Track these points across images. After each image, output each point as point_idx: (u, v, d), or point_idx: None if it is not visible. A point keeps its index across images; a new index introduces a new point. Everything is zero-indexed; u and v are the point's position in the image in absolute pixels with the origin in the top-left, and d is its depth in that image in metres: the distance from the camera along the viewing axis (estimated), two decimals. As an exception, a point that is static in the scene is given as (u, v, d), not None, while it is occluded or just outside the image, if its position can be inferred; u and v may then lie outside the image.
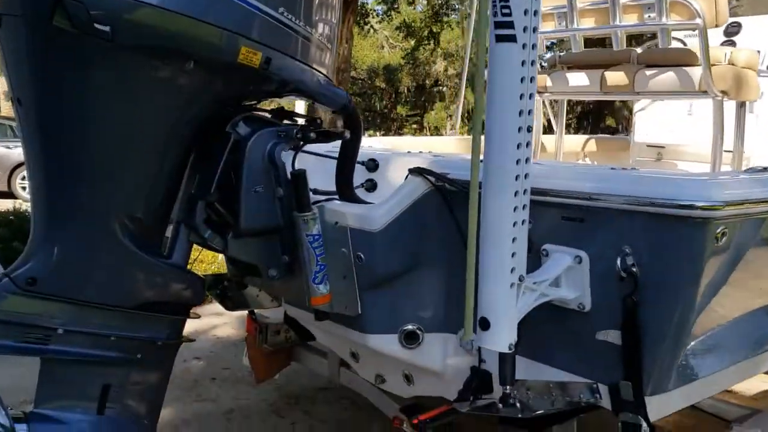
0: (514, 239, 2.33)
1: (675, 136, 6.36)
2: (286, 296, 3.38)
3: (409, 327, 3.22)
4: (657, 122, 6.65)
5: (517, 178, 2.29)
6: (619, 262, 2.50)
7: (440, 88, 33.37)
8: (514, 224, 2.32)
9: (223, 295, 4.17)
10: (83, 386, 2.83)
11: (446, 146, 5.88)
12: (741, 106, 4.77)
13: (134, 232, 2.75)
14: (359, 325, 3.24)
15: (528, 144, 2.29)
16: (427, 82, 33.84)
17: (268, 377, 5.10)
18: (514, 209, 2.31)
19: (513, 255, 2.34)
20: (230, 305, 4.22)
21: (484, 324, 2.40)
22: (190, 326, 3.40)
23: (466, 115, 16.37)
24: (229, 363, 6.17)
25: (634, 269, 2.48)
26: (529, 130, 2.28)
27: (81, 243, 2.72)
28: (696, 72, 4.54)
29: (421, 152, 4.43)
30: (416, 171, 3.00)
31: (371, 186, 4.31)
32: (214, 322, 7.16)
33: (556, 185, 2.61)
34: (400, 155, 4.35)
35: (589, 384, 2.71)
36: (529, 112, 2.26)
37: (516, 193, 2.30)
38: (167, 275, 2.92)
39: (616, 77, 5.04)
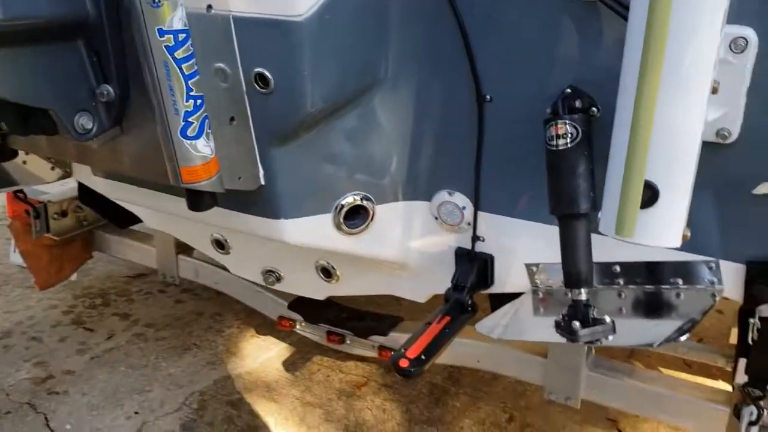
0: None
1: None
2: (110, 167, 1.77)
3: (350, 199, 1.82)
4: None
5: None
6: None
7: None
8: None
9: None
10: None
11: None
12: None
13: None
14: (263, 206, 1.77)
15: None
16: None
17: (58, 281, 3.44)
18: None
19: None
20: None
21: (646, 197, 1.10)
22: None
23: None
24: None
25: None
26: None
27: None
28: None
29: None
30: None
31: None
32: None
33: None
34: None
35: (706, 264, 1.58)
36: None
37: None
38: None
39: None
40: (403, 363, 1.64)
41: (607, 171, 1.27)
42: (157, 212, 2.44)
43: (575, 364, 2.21)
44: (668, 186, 1.11)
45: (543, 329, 1.75)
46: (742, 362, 1.78)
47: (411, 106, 1.75)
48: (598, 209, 1.49)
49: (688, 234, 1.20)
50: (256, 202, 1.77)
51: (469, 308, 1.85)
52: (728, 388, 2.30)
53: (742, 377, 1.79)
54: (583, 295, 1.51)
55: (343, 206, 1.82)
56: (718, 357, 2.35)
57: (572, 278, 1.50)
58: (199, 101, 1.41)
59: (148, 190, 2.06)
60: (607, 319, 1.50)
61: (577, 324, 1.50)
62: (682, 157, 1.11)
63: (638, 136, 1.06)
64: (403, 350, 1.67)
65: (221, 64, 1.55)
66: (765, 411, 1.78)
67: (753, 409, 1.78)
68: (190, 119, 1.40)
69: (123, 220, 2.98)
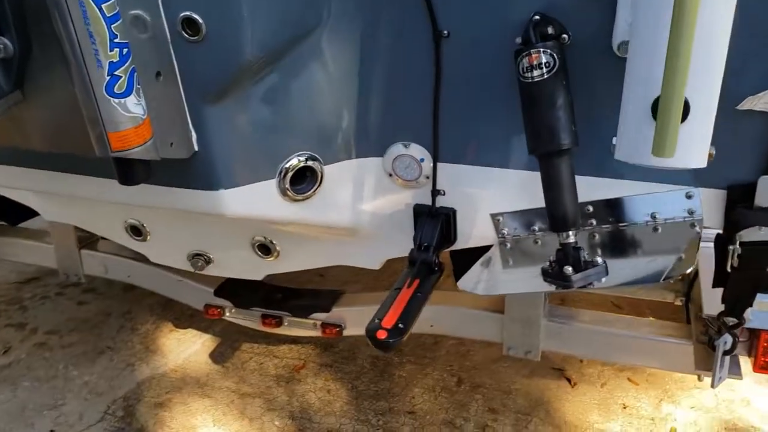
0: None
1: None
2: (7, 143, 1.46)
3: (295, 161, 1.63)
4: None
5: None
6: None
7: None
8: None
9: None
10: None
11: None
12: None
13: None
14: (197, 176, 1.54)
15: None
16: None
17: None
18: None
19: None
20: None
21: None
22: None
23: None
24: None
25: None
26: None
27: None
28: None
29: None
30: None
31: None
32: None
33: None
34: None
35: (685, 194, 1.51)
36: None
37: None
38: None
39: None
40: (381, 335, 1.48)
41: (623, 93, 1.16)
42: (58, 201, 2.13)
43: (533, 316, 2.14)
44: (699, 99, 1.01)
45: (521, 281, 1.64)
46: (711, 293, 1.74)
47: (357, 50, 1.57)
48: (578, 144, 1.39)
49: (713, 152, 1.12)
50: (189, 172, 1.53)
51: (437, 268, 1.71)
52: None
53: (711, 308, 1.76)
54: (571, 237, 1.41)
55: (287, 170, 1.62)
56: (667, 293, 2.35)
57: (559, 221, 1.39)
58: (125, 50, 1.16)
59: (48, 173, 1.76)
60: (599, 260, 1.40)
61: (569, 269, 1.39)
62: (712, 65, 1.01)
63: (680, 48, 0.94)
64: (377, 321, 1.51)
65: (138, 11, 1.30)
66: (738, 338, 1.77)
67: (727, 338, 1.76)
68: (116, 72, 1.15)
69: (13, 216, 2.62)
